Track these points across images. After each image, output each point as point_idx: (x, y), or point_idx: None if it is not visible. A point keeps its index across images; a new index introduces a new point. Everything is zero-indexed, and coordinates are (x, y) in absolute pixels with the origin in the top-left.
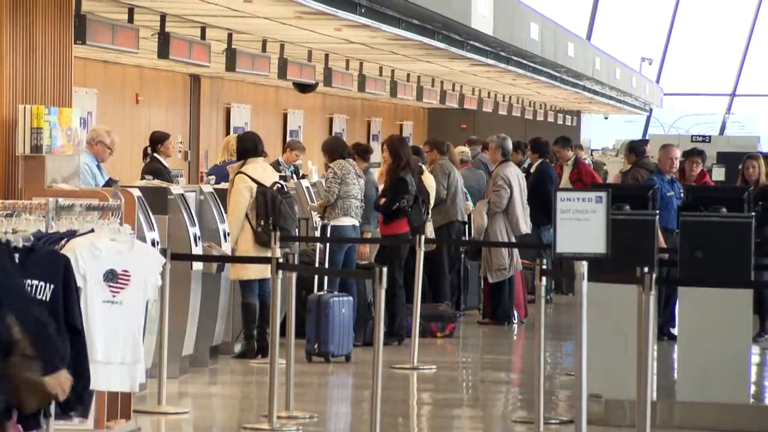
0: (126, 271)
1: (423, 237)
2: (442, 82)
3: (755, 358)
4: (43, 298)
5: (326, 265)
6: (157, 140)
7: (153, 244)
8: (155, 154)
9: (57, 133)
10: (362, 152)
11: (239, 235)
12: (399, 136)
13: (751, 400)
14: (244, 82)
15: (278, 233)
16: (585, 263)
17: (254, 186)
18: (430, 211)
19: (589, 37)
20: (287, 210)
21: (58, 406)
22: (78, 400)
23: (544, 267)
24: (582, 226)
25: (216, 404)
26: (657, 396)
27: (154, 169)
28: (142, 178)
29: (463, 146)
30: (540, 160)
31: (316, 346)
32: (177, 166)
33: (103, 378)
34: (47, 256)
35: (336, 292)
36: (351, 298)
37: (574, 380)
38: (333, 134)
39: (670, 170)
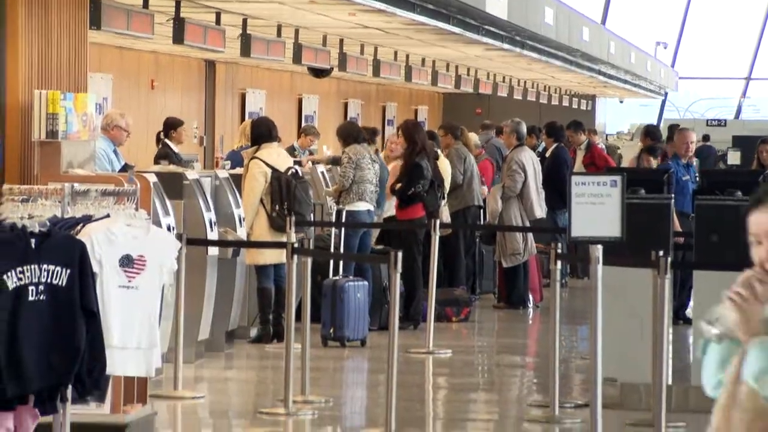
0: (142, 256)
1: (438, 221)
2: (456, 67)
3: None
4: (59, 283)
5: (341, 250)
6: (170, 126)
7: (168, 229)
8: (166, 140)
9: (73, 118)
10: (369, 135)
11: (254, 220)
12: (414, 120)
13: None
14: (258, 68)
15: (293, 218)
16: (600, 247)
17: (269, 171)
18: (445, 195)
19: (603, 21)
20: (302, 195)
21: (75, 391)
22: (94, 385)
23: (559, 251)
24: (597, 210)
25: (232, 389)
26: (672, 380)
27: (163, 154)
28: (156, 163)
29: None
30: (555, 145)
31: (331, 330)
32: (192, 152)
33: (120, 363)
34: (63, 242)
35: (351, 277)
36: (366, 283)
37: (589, 364)
38: (348, 119)
39: (686, 154)
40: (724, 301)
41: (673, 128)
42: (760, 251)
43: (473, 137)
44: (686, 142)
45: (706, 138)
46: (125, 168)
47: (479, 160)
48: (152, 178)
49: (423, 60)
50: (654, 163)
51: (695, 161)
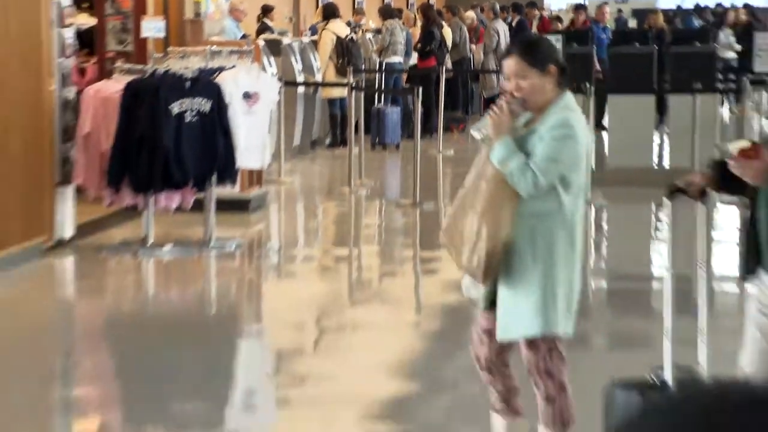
0: (256, 92)
1: (444, 68)
2: None
3: (656, 139)
4: (205, 110)
5: (383, 88)
6: (266, 9)
7: (272, 75)
8: (265, 19)
9: (210, 4)
10: (398, 13)
11: (326, 69)
12: (428, 3)
13: (654, 164)
14: None
15: (351, 67)
16: None
17: (334, 37)
18: (449, 51)
19: None
20: (357, 52)
21: (217, 177)
22: (229, 175)
23: None
24: None
25: (315, 176)
26: (594, 166)
27: (263, 28)
28: (260, 33)
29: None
30: (518, 18)
31: (377, 139)
32: (284, 27)
33: (245, 159)
34: (207, 83)
35: (389, 105)
36: (399, 108)
37: None
38: (384, 3)
39: (603, 20)
40: (487, 116)
41: (581, 7)
42: (509, 84)
43: (469, 14)
44: (603, 12)
45: (620, 11)
46: (244, 37)
47: (478, 29)
48: (261, 43)
49: None
50: (560, 26)
51: (609, 26)
